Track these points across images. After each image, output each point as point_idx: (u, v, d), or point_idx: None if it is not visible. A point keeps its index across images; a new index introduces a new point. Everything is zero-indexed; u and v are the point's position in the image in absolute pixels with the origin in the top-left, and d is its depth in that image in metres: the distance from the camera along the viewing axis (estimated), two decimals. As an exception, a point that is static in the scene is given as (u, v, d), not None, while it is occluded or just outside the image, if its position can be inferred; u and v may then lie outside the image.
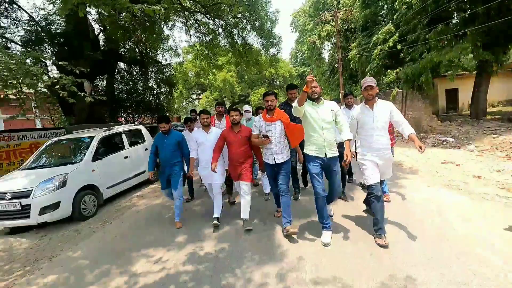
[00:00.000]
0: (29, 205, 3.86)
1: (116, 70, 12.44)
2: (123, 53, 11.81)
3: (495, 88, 14.59)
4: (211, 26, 13.16)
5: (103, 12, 7.29)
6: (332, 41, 21.67)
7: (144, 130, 6.67)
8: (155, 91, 14.20)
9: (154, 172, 4.01)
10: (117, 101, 12.46)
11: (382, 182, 2.88)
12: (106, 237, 3.68)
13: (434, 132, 10.15)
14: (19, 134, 6.90)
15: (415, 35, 11.13)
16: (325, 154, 2.75)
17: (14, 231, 4.19)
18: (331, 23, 17.43)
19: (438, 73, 12.64)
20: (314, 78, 2.59)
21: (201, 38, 13.55)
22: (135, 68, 13.25)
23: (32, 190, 3.92)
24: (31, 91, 5.81)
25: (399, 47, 12.52)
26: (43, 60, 6.84)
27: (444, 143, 8.50)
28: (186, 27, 13.10)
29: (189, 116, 4.99)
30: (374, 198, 2.67)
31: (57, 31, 9.62)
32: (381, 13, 16.62)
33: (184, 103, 25.70)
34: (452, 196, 3.80)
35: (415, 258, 2.36)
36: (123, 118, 13.14)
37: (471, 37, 8.81)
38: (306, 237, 2.95)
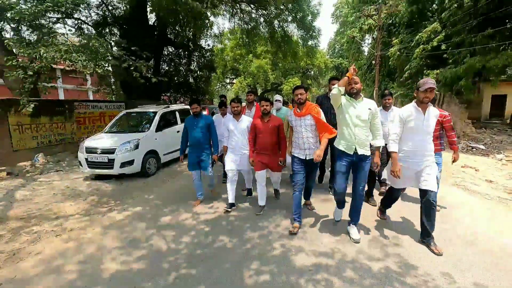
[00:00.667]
0: (113, 159, 5.14)
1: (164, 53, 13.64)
2: (172, 37, 12.91)
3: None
4: (253, 15, 13.71)
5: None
6: (373, 35, 21.06)
7: (192, 110, 7.77)
8: (196, 74, 15.02)
9: (184, 156, 4.18)
10: (162, 81, 13.64)
11: (428, 193, 2.59)
12: (169, 189, 4.87)
13: (467, 138, 10.08)
14: (92, 104, 8.43)
15: (461, 36, 10.79)
16: (354, 151, 2.69)
17: (98, 178, 5.55)
18: (374, 17, 17.01)
19: (486, 77, 12.03)
20: (357, 70, 2.62)
21: (243, 26, 14.17)
22: (181, 52, 14.15)
23: (115, 148, 5.19)
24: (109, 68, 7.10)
25: (443, 47, 12.13)
26: (117, 44, 8.07)
27: (474, 149, 8.54)
28: (230, 15, 13.84)
29: (222, 99, 5.06)
30: (392, 198, 3.08)
31: (121, 15, 10.93)
32: (429, 9, 15.86)
33: (217, 86, 26.50)
34: (456, 194, 4.32)
35: (403, 230, 3.10)
36: (166, 97, 14.42)
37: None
38: (323, 210, 3.79)
